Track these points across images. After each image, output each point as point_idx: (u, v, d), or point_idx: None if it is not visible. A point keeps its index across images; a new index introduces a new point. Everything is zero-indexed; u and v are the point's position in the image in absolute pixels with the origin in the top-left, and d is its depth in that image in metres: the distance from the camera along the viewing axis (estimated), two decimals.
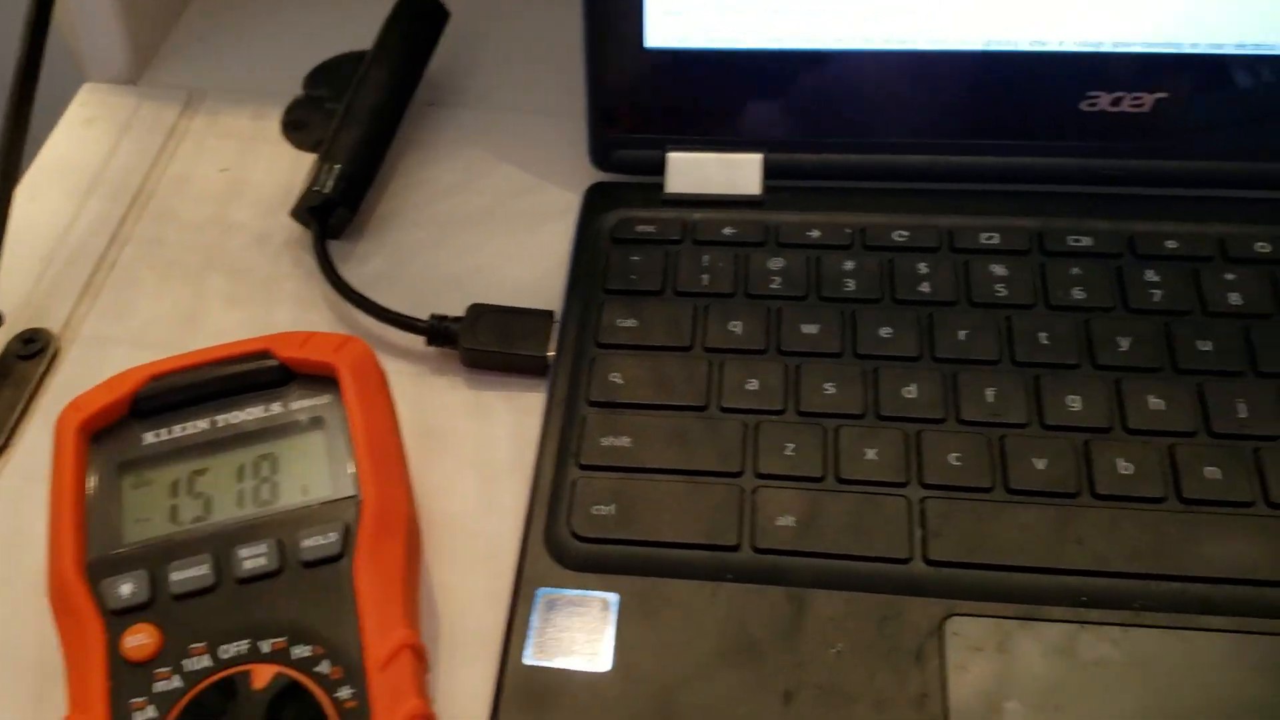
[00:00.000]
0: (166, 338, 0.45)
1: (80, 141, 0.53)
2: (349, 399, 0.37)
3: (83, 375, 0.44)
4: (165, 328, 0.46)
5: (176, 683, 0.32)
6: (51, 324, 0.46)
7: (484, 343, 0.43)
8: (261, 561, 0.34)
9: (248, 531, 0.35)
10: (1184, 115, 0.44)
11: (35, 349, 0.45)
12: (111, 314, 0.46)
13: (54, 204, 0.50)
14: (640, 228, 0.45)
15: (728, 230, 0.45)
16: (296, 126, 0.52)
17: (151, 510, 0.36)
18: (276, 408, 0.37)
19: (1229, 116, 0.44)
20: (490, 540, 0.39)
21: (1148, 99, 0.43)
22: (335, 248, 0.47)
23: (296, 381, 0.38)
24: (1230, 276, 0.42)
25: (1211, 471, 0.37)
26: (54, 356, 0.45)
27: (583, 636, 0.35)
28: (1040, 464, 0.38)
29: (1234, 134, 0.44)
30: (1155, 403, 0.39)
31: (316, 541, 0.34)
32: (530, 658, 0.35)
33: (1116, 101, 0.43)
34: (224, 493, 0.36)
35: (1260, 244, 0.42)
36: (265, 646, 0.33)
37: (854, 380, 0.40)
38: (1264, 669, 0.34)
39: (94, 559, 0.34)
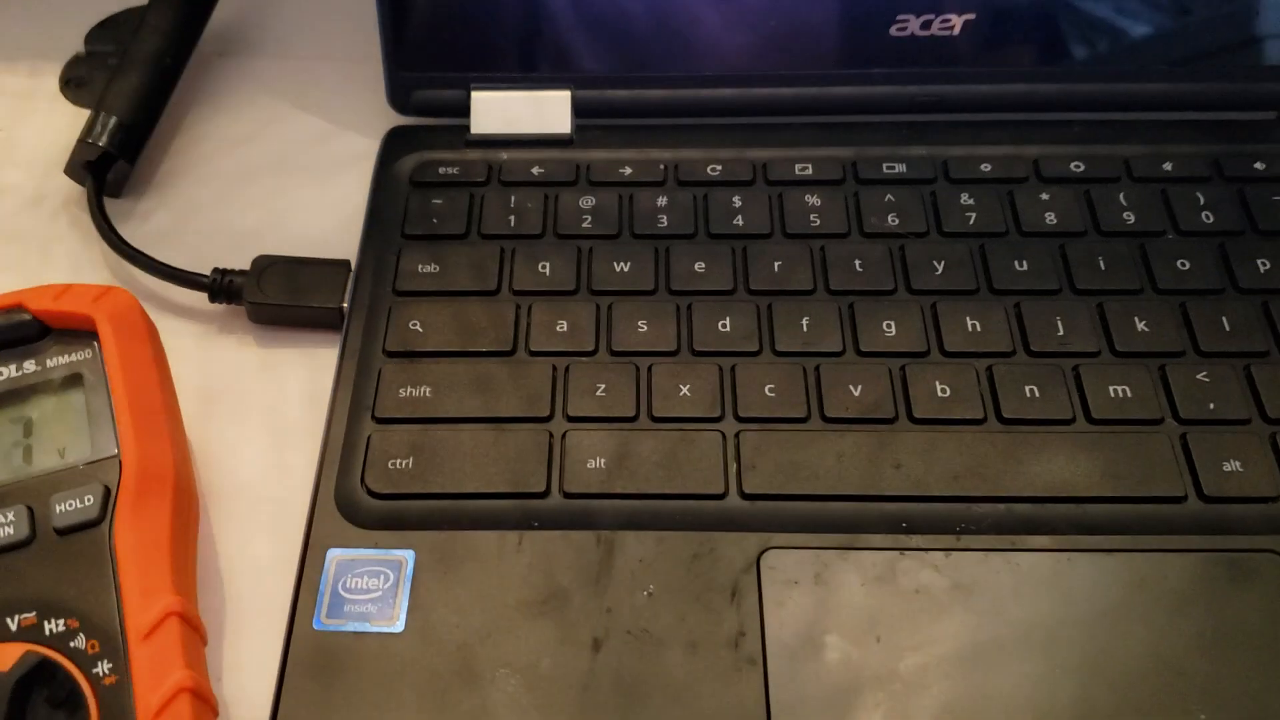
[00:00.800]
0: None
1: None
2: (108, 351, 0.33)
3: None
4: None
5: None
6: None
7: (271, 296, 0.40)
8: (9, 531, 0.31)
9: None
10: (993, 38, 0.43)
11: None
12: None
13: None
14: (442, 170, 0.43)
15: (536, 170, 0.42)
16: (77, 84, 0.49)
17: None
18: (30, 365, 0.34)
19: (1038, 38, 0.43)
20: (280, 505, 0.36)
21: (956, 21, 0.42)
22: (115, 206, 0.43)
23: (53, 336, 0.34)
24: (1045, 196, 0.41)
25: (1030, 390, 0.36)
26: None
27: (374, 596, 0.33)
28: (856, 391, 0.36)
29: (1044, 56, 0.43)
30: (971, 324, 0.38)
31: (72, 505, 0.31)
32: (320, 623, 0.32)
33: (926, 25, 0.42)
34: None
35: (1075, 163, 0.42)
36: (12, 624, 0.30)
37: (667, 317, 0.38)
38: (1088, 587, 0.33)
39: None
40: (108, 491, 0.31)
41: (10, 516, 0.31)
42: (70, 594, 0.30)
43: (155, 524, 0.31)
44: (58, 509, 0.31)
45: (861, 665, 0.31)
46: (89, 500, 0.31)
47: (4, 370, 0.34)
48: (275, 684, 0.31)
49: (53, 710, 0.29)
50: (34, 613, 0.30)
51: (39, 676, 0.29)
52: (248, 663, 0.33)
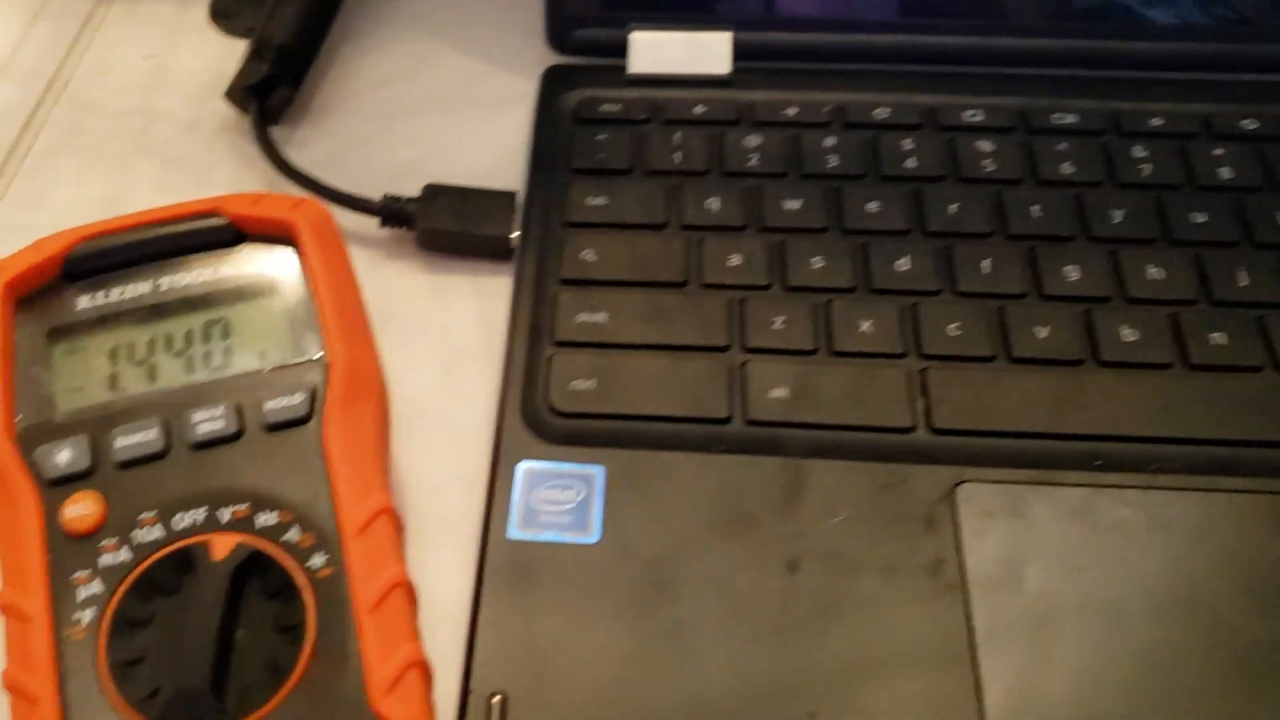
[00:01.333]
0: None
1: None
2: (310, 258, 0.33)
3: None
4: (88, 214, 0.41)
5: (124, 555, 0.29)
6: None
7: (442, 223, 0.40)
8: (219, 425, 0.30)
9: (201, 396, 0.31)
10: None
11: None
12: (27, 201, 0.42)
13: None
14: (605, 107, 0.43)
15: (698, 109, 0.42)
16: (225, 15, 0.49)
17: (87, 378, 0.32)
18: (227, 269, 0.34)
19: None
20: (457, 422, 0.36)
21: None
22: (274, 134, 0.43)
23: (248, 242, 0.34)
24: (1218, 152, 0.41)
25: (1217, 337, 0.36)
26: None
27: (568, 509, 0.33)
28: (1042, 332, 0.36)
29: (1216, 15, 0.43)
30: (1154, 272, 0.37)
31: (281, 404, 0.31)
32: (515, 531, 0.32)
33: None
34: (171, 359, 0.32)
35: (1247, 120, 0.42)
36: (225, 515, 0.29)
37: (843, 255, 0.38)
38: None
39: (25, 427, 0.31)
40: (315, 391, 0.31)
41: (219, 411, 0.31)
42: (282, 488, 0.30)
43: (363, 424, 0.31)
44: (266, 406, 0.31)
45: (1064, 595, 0.31)
46: (298, 399, 0.31)
47: (202, 273, 0.34)
48: (473, 587, 0.31)
49: (267, 600, 0.29)
50: (246, 505, 0.30)
51: (254, 566, 0.29)
52: (436, 568, 0.33)
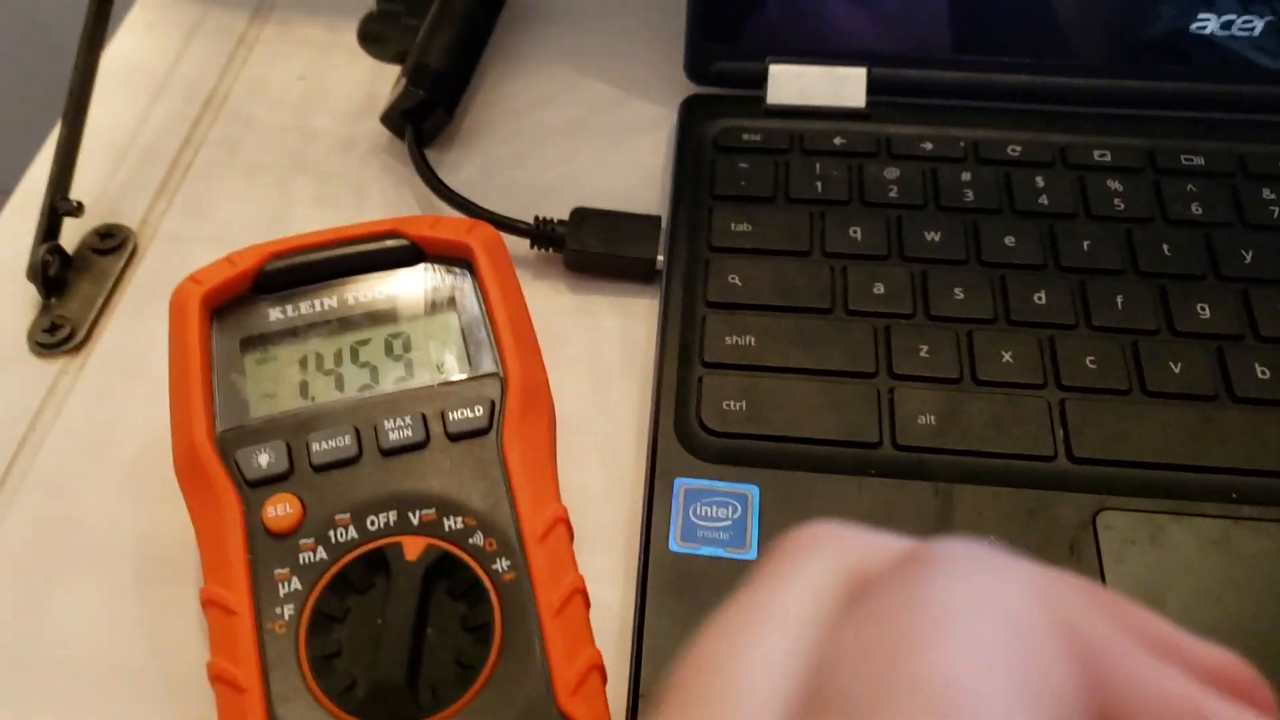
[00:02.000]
0: (251, 237, 0.42)
1: (144, 46, 0.51)
2: (486, 278, 0.35)
3: (165, 271, 0.42)
4: (250, 226, 0.44)
5: (321, 554, 0.31)
6: (128, 220, 0.44)
7: (590, 245, 0.42)
8: (407, 433, 0.32)
9: (388, 406, 0.33)
10: None
11: (113, 244, 0.43)
12: (192, 213, 0.44)
13: (121, 106, 0.48)
14: (746, 136, 0.44)
15: (838, 140, 0.44)
16: (374, 39, 0.51)
17: (279, 386, 0.34)
18: (408, 286, 0.36)
19: None
20: (608, 437, 0.38)
21: (1258, 22, 0.43)
22: (426, 156, 0.45)
23: (427, 261, 0.36)
24: None
25: None
26: (132, 253, 0.43)
27: (725, 525, 0.34)
28: (1176, 368, 0.37)
29: None
30: None
31: (463, 415, 0.33)
32: (675, 545, 0.34)
33: (1226, 25, 0.43)
34: (357, 370, 0.34)
35: None
36: (415, 518, 0.31)
37: (982, 286, 0.39)
38: None
39: (224, 431, 0.33)
40: (493, 404, 0.33)
41: (406, 421, 0.33)
42: (465, 495, 0.32)
43: (537, 436, 0.33)
44: (450, 416, 0.33)
45: (1203, 622, 0.32)
46: (479, 411, 0.33)
47: (385, 289, 0.36)
48: (637, 596, 0.33)
49: (454, 601, 0.30)
50: (434, 509, 0.31)
51: (442, 568, 0.31)
52: (599, 576, 0.34)
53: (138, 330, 0.41)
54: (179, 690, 0.32)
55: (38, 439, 0.38)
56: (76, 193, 0.43)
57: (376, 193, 0.45)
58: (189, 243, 0.43)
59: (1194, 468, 0.35)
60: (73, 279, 0.42)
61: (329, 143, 0.47)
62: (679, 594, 0.33)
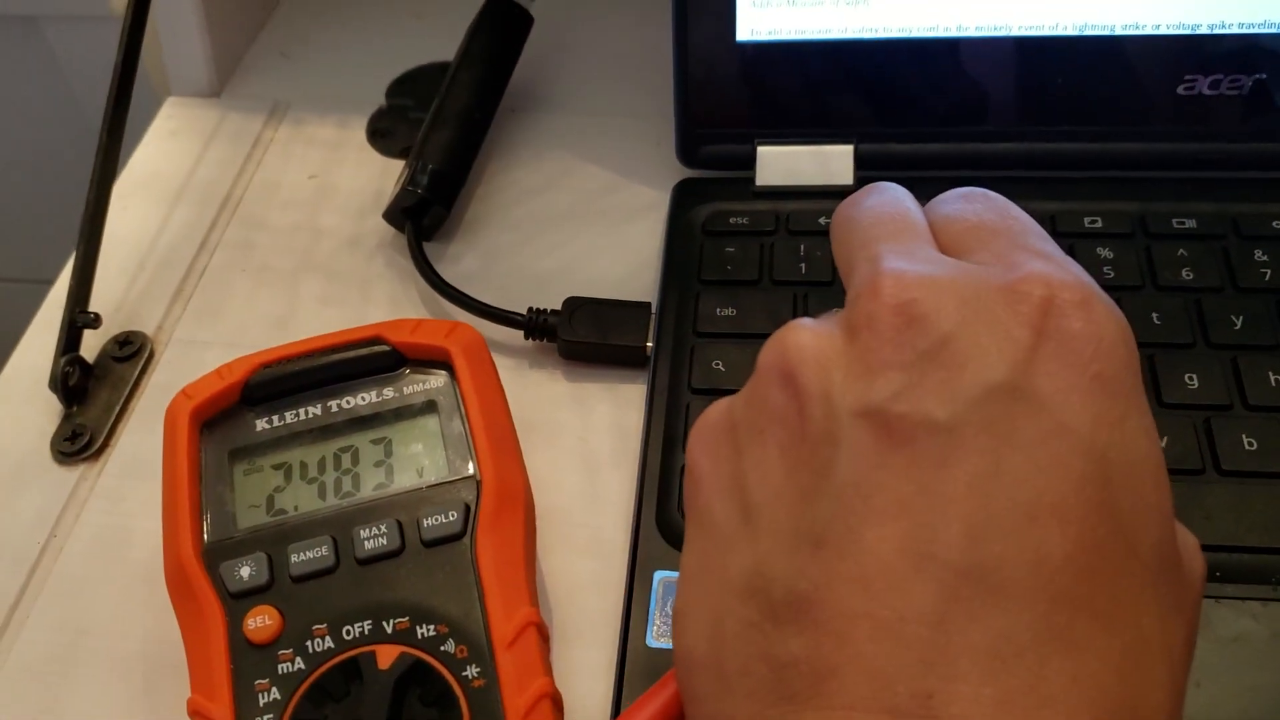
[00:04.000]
0: (260, 339, 0.45)
1: (166, 152, 0.53)
2: (464, 381, 0.36)
3: (178, 376, 0.44)
4: (258, 329, 0.46)
5: (300, 664, 0.32)
6: (145, 327, 0.46)
7: (582, 334, 0.42)
8: (382, 542, 0.33)
9: (366, 513, 0.34)
10: None
11: (130, 351, 0.45)
12: (204, 317, 0.46)
13: (143, 212, 0.50)
14: (733, 220, 0.45)
15: (823, 220, 0.44)
16: (382, 134, 0.53)
17: (264, 495, 0.35)
18: (389, 392, 0.37)
19: None
20: (596, 528, 0.39)
21: (1246, 80, 0.43)
22: (427, 249, 0.47)
23: (408, 366, 0.37)
24: None
25: None
26: (149, 358, 0.45)
27: None
28: (1161, 442, 0.37)
29: None
30: (1276, 379, 0.38)
31: (437, 520, 0.34)
32: (652, 640, 0.34)
33: (1214, 84, 0.43)
34: (339, 477, 0.35)
35: None
36: (388, 627, 0.32)
37: None
38: None
39: (210, 544, 0.34)
40: (468, 508, 0.34)
41: (382, 529, 0.34)
42: (438, 602, 0.33)
43: (511, 539, 0.34)
44: (425, 523, 0.34)
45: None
46: (452, 516, 0.34)
47: (366, 395, 0.37)
48: (613, 695, 0.34)
49: (425, 707, 0.31)
50: (407, 617, 0.32)
51: (414, 676, 0.32)
52: (577, 673, 0.35)
53: (152, 436, 0.42)
54: None
55: (58, 545, 0.40)
56: (97, 301, 0.45)
57: (381, 288, 0.47)
58: (201, 347, 0.45)
59: None
60: (92, 387, 0.44)
61: (337, 241, 0.48)
62: None
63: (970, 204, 0.27)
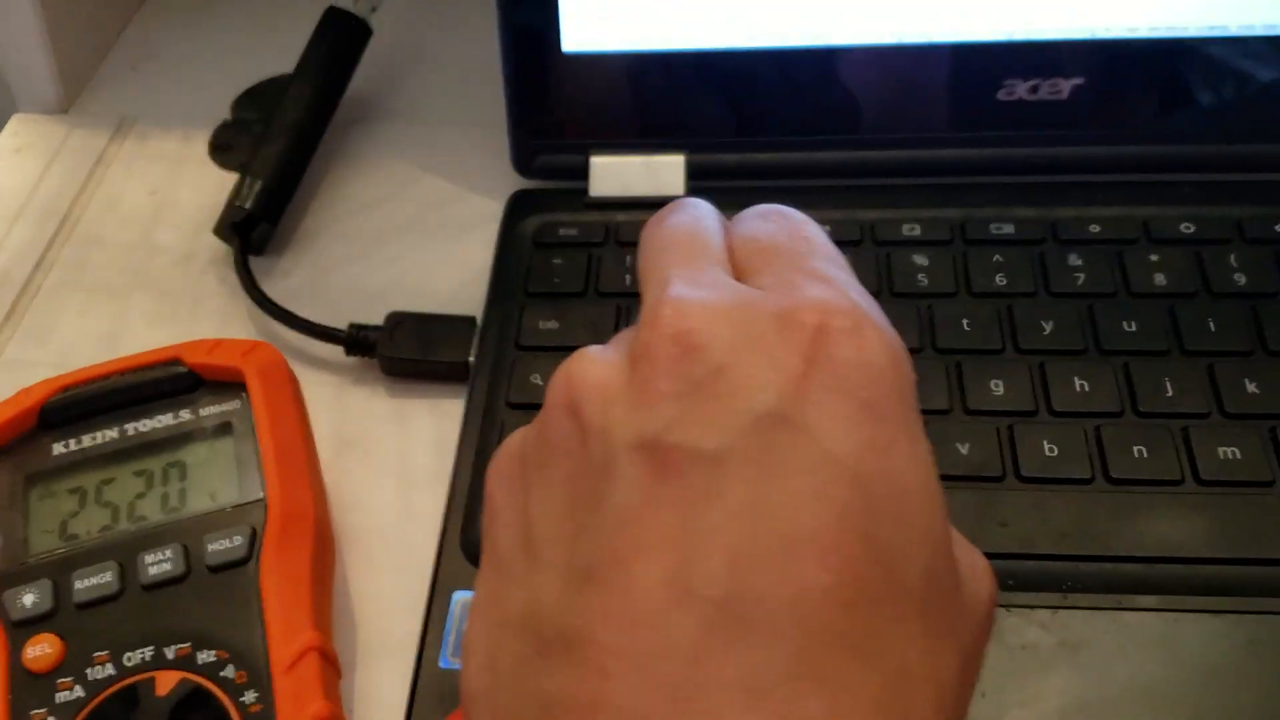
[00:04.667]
0: (87, 358, 0.43)
1: (8, 170, 0.52)
2: (256, 403, 0.36)
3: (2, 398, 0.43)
4: (86, 349, 0.45)
5: (79, 692, 0.31)
6: None
7: (403, 350, 0.42)
8: (166, 567, 0.33)
9: (154, 538, 0.34)
10: (1102, 101, 0.44)
11: None
12: (34, 338, 0.46)
13: None
14: (563, 231, 0.45)
15: None
16: (223, 149, 0.52)
17: (57, 521, 0.35)
18: (185, 414, 0.37)
19: (1146, 101, 0.44)
20: (409, 548, 0.38)
21: (1065, 85, 0.43)
22: (258, 264, 0.46)
23: (205, 388, 0.37)
24: (1155, 258, 0.41)
25: (1139, 450, 0.37)
26: None
27: None
28: (963, 448, 0.37)
29: (1152, 118, 0.44)
30: (1080, 384, 0.38)
31: (222, 545, 0.33)
32: (447, 661, 0.34)
33: (1034, 89, 0.43)
34: (131, 501, 0.35)
35: (1185, 224, 0.42)
36: (170, 653, 0.32)
37: None
38: (1197, 647, 0.33)
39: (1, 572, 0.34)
40: (254, 533, 0.34)
41: (168, 554, 0.33)
42: (220, 627, 0.32)
43: (297, 564, 0.34)
44: (209, 548, 0.33)
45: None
46: (237, 540, 0.33)
47: (162, 419, 0.37)
48: (405, 714, 0.33)
49: None
50: (189, 643, 0.32)
51: (193, 702, 0.31)
52: (376, 696, 0.35)
53: None
54: None
55: None
56: None
57: (212, 305, 0.46)
58: (30, 368, 0.44)
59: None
60: None
61: (171, 258, 0.48)
62: (445, 712, 0.33)
63: (765, 223, 0.27)
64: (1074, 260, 0.42)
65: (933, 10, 0.42)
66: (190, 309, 0.46)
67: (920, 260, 0.42)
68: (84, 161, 0.52)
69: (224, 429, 0.36)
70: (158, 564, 0.33)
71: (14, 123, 0.55)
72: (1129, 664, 0.33)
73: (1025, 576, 0.35)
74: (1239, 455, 0.36)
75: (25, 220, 0.50)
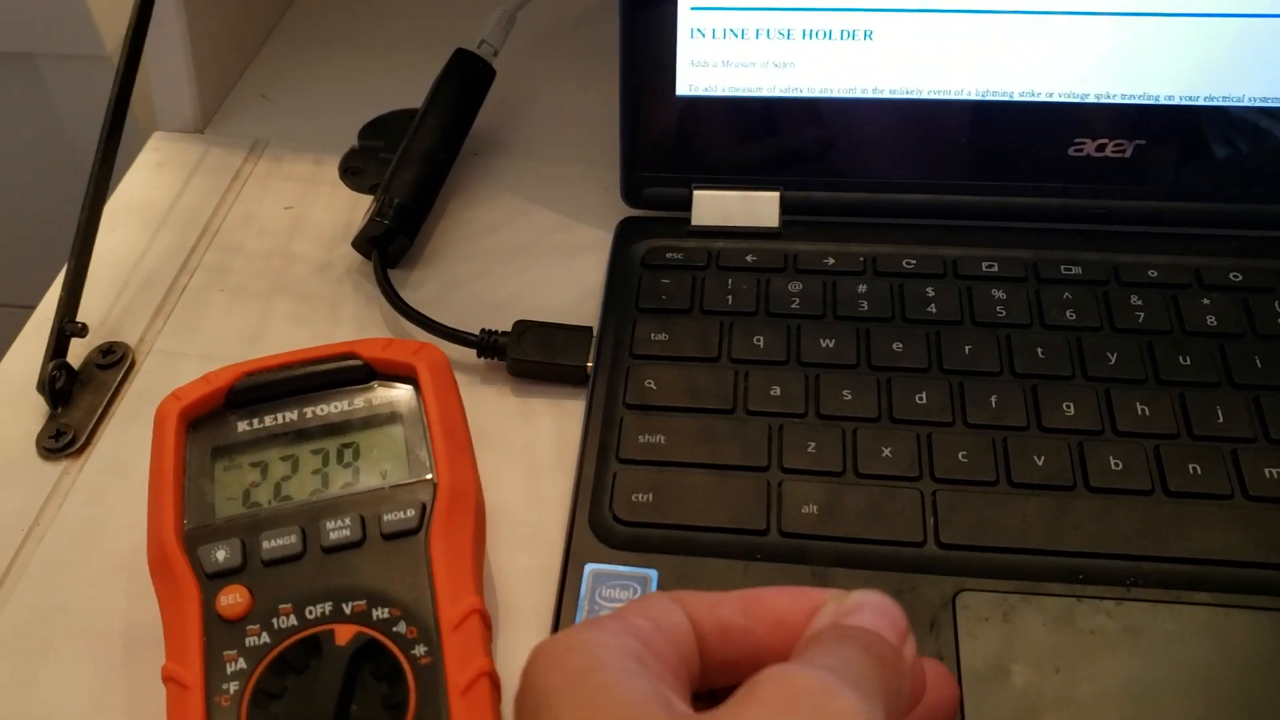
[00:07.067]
0: (234, 353, 0.49)
1: (152, 183, 0.57)
2: (427, 394, 0.41)
3: (157, 384, 0.48)
4: (232, 343, 0.50)
5: (265, 639, 0.36)
6: (128, 339, 0.50)
7: (529, 354, 0.47)
8: (345, 533, 0.38)
9: (332, 508, 0.38)
10: (1162, 160, 0.49)
11: (113, 360, 0.49)
12: (183, 332, 0.50)
13: (129, 236, 0.54)
14: (669, 255, 0.50)
15: (750, 257, 0.49)
16: (353, 172, 0.57)
17: (240, 489, 0.39)
18: (360, 402, 0.41)
19: (1203, 161, 0.49)
20: (537, 527, 0.43)
21: (1129, 145, 0.48)
22: (391, 276, 0.51)
23: (377, 380, 0.42)
24: (1206, 301, 0.46)
25: (1194, 468, 0.41)
26: (130, 367, 0.49)
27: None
28: (1039, 461, 0.42)
29: (1208, 177, 0.49)
30: (1141, 409, 0.43)
31: (397, 517, 0.38)
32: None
33: (1101, 147, 0.48)
34: (310, 476, 0.40)
35: (1234, 274, 0.47)
36: (347, 608, 0.36)
37: (869, 388, 0.44)
38: (1242, 638, 0.37)
39: (190, 529, 0.38)
40: (425, 507, 0.38)
41: (346, 522, 0.38)
42: (393, 589, 0.37)
43: (461, 536, 0.38)
44: (385, 518, 0.38)
45: (1043, 691, 0.37)
46: (410, 513, 0.38)
47: (338, 405, 0.41)
48: None
49: (377, 682, 0.35)
50: (364, 601, 0.36)
51: (368, 652, 0.36)
52: (517, 657, 0.39)
53: (132, 436, 0.47)
54: None
55: (40, 533, 0.44)
56: (85, 315, 0.49)
57: (348, 310, 0.51)
58: (179, 358, 0.49)
59: (1047, 551, 0.40)
60: (77, 391, 0.48)
61: (308, 266, 0.53)
62: None
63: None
64: (1135, 300, 0.46)
65: (1015, 71, 0.47)
66: (328, 313, 0.51)
67: (998, 294, 0.47)
68: (222, 178, 0.57)
69: (394, 416, 0.41)
70: (337, 530, 0.38)
71: (155, 140, 0.60)
72: (1183, 650, 0.37)
73: (1094, 572, 0.39)
74: None
75: (169, 228, 0.55)
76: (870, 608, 0.31)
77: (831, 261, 0.49)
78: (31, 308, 0.52)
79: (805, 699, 0.26)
